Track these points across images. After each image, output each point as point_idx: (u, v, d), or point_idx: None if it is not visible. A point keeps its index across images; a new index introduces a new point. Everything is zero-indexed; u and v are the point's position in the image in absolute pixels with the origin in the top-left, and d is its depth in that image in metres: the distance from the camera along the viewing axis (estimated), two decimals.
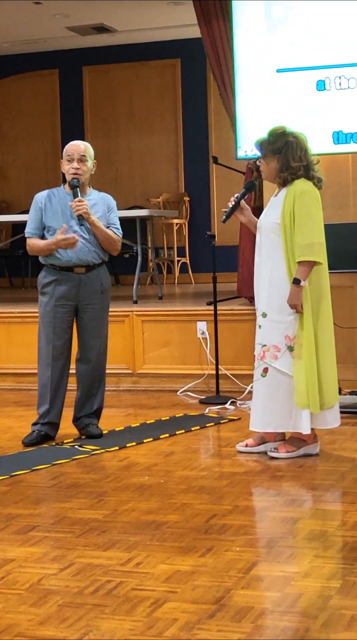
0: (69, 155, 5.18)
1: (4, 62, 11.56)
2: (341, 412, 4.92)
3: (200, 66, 10.56)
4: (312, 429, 4.77)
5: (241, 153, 6.91)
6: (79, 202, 5.10)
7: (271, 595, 2.98)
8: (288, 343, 4.72)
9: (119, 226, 5.35)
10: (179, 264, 10.63)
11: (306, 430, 4.71)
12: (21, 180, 11.69)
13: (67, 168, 5.18)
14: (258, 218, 4.95)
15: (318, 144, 4.84)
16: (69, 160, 5.17)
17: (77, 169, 5.15)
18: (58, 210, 5.20)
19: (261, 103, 6.75)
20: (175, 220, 10.53)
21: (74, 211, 5.12)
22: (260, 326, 4.82)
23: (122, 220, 5.46)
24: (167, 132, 11.19)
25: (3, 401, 6.82)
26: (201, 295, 8.14)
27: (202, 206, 10.97)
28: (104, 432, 5.40)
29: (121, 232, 5.36)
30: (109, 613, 2.85)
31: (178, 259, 10.61)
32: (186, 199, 10.95)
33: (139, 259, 8.00)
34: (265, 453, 4.86)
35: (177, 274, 10.57)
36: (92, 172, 5.28)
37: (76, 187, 5.14)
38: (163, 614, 2.83)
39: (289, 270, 4.68)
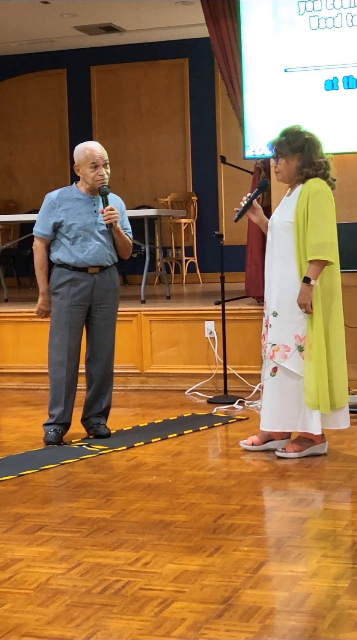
0: (93, 162, 5.10)
1: (11, 62, 11.57)
2: (350, 412, 4.91)
3: (208, 66, 10.56)
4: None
5: (249, 152, 6.91)
6: (110, 210, 5.08)
7: (279, 595, 2.98)
8: (298, 343, 4.71)
9: (131, 230, 5.34)
10: (187, 264, 10.63)
11: (317, 431, 4.70)
12: (29, 180, 11.70)
13: (93, 175, 5.09)
14: (267, 218, 4.95)
15: (326, 143, 4.85)
16: (94, 167, 5.11)
17: (103, 175, 5.11)
18: (77, 210, 5.15)
19: (269, 102, 6.75)
20: (183, 220, 10.52)
21: (104, 219, 5.10)
22: (270, 325, 4.81)
23: (130, 220, 5.46)
24: (175, 131, 11.18)
25: (11, 401, 6.83)
26: (209, 295, 8.13)
27: (210, 206, 10.96)
28: (111, 431, 5.40)
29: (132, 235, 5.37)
30: (116, 613, 2.85)
31: (186, 258, 10.60)
32: (194, 198, 10.94)
33: (147, 258, 8.00)
34: (272, 452, 4.86)
35: (185, 273, 10.57)
36: None
37: (107, 195, 5.11)
38: (171, 614, 2.83)
39: (300, 270, 4.66)
